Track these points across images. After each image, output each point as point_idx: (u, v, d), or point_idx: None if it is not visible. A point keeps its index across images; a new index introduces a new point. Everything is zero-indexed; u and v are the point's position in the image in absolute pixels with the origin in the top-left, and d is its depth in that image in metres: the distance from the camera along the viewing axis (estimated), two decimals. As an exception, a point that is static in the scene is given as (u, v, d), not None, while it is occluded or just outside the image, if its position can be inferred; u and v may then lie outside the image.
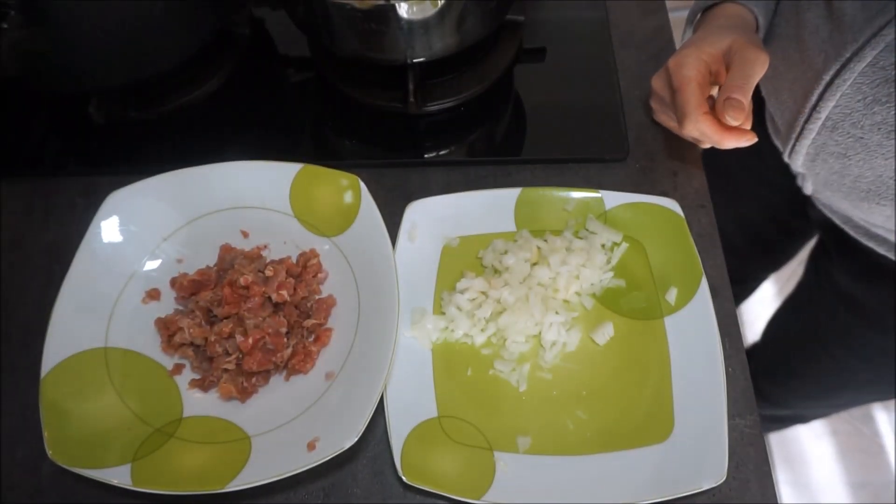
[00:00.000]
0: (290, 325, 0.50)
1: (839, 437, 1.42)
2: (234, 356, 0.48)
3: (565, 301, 0.54)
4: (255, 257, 0.53)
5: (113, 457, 0.44)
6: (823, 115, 0.54)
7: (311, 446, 0.44)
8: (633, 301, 0.53)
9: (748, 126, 0.51)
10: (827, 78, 0.52)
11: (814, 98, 0.54)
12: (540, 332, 0.52)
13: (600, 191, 0.56)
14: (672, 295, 0.52)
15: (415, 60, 0.58)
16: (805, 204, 0.68)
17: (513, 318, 0.51)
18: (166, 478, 0.43)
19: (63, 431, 0.44)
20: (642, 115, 0.64)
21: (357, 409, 0.45)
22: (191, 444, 0.46)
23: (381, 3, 0.52)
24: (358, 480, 0.47)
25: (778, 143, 0.66)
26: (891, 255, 0.61)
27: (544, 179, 0.60)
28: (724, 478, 0.44)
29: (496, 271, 0.55)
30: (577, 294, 0.54)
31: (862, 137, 0.52)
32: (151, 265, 0.53)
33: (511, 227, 0.56)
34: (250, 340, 0.47)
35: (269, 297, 0.50)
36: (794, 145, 0.59)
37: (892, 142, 0.50)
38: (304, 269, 0.53)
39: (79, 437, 0.44)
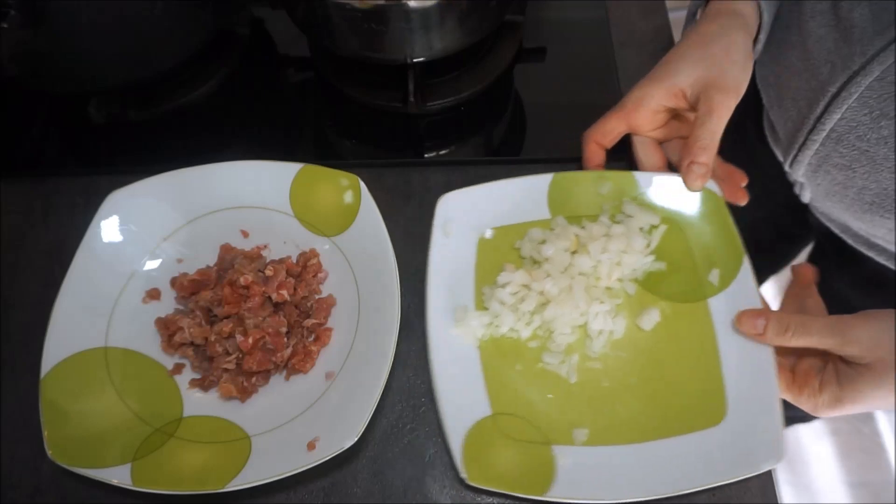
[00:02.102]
0: (290, 324, 0.50)
1: (839, 437, 1.42)
2: (234, 356, 0.48)
3: (608, 288, 0.52)
4: (255, 257, 0.53)
5: (113, 456, 0.44)
6: (828, 127, 0.53)
7: (311, 446, 0.44)
8: (675, 284, 0.52)
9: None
10: (833, 90, 0.52)
11: (819, 109, 0.53)
12: (586, 322, 0.51)
13: (633, 172, 0.55)
14: (714, 275, 0.51)
15: (415, 60, 0.58)
16: (804, 211, 0.68)
17: (558, 309, 0.50)
18: (166, 478, 0.43)
19: (63, 431, 0.44)
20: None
21: (357, 409, 0.45)
22: (191, 443, 0.46)
23: (381, 3, 0.53)
24: (358, 480, 0.47)
25: (778, 151, 0.66)
26: (891, 265, 0.61)
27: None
28: (783, 457, 0.43)
29: (535, 262, 0.53)
30: (619, 280, 0.53)
31: (867, 150, 0.52)
32: (151, 265, 0.53)
33: (545, 214, 0.55)
34: (250, 340, 0.47)
35: (269, 297, 0.50)
36: (796, 155, 0.59)
37: None
38: (304, 269, 0.53)
39: (79, 437, 0.44)
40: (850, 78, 0.50)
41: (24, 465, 0.47)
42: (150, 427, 0.46)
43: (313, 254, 0.54)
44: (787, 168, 0.62)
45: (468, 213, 0.54)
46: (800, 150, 0.58)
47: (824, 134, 0.54)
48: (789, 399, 0.46)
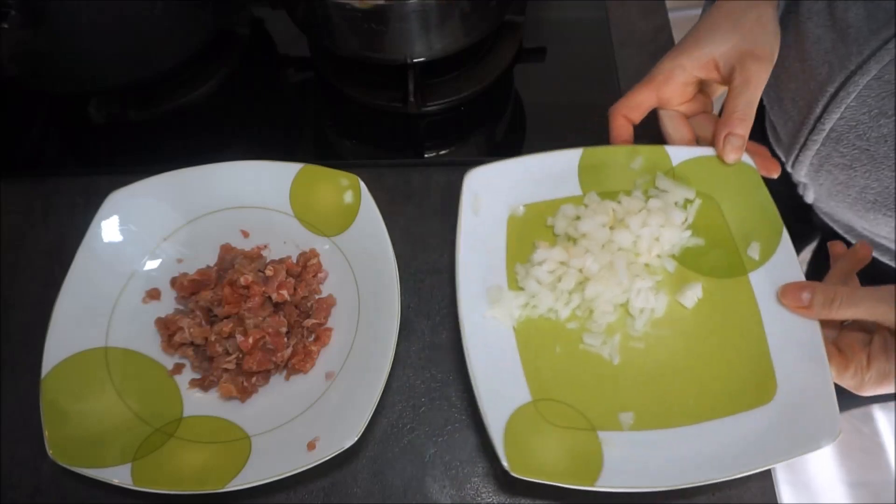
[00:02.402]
0: (290, 324, 0.50)
1: (839, 438, 1.41)
2: (234, 356, 0.48)
3: (647, 265, 0.51)
4: (255, 257, 0.53)
5: (113, 456, 0.44)
6: (828, 127, 0.53)
7: (311, 446, 0.44)
8: (714, 259, 0.51)
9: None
10: (832, 90, 0.51)
11: (818, 109, 0.53)
12: (627, 301, 0.49)
13: (666, 146, 0.53)
14: (755, 249, 0.50)
15: (415, 60, 0.58)
16: (808, 210, 0.68)
17: (599, 287, 0.48)
18: (166, 477, 0.43)
19: (63, 431, 0.44)
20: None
21: (357, 409, 0.45)
22: (191, 443, 0.46)
23: (381, 3, 0.53)
24: (358, 480, 0.47)
25: (780, 152, 0.66)
26: (895, 265, 0.61)
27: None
28: (839, 435, 0.41)
29: (570, 239, 0.52)
30: (659, 256, 0.51)
31: (868, 149, 0.52)
32: (151, 265, 0.53)
33: (577, 190, 0.53)
34: (250, 340, 0.47)
35: (270, 297, 0.50)
36: (797, 156, 0.58)
37: None
38: (304, 269, 0.53)
39: (79, 437, 0.44)
40: (848, 77, 0.50)
41: (24, 465, 0.47)
42: (151, 427, 0.46)
43: (313, 254, 0.54)
44: (789, 169, 0.62)
45: (497, 190, 0.52)
46: (801, 150, 0.58)
47: (824, 134, 0.54)
48: (833, 376, 0.44)
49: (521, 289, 0.50)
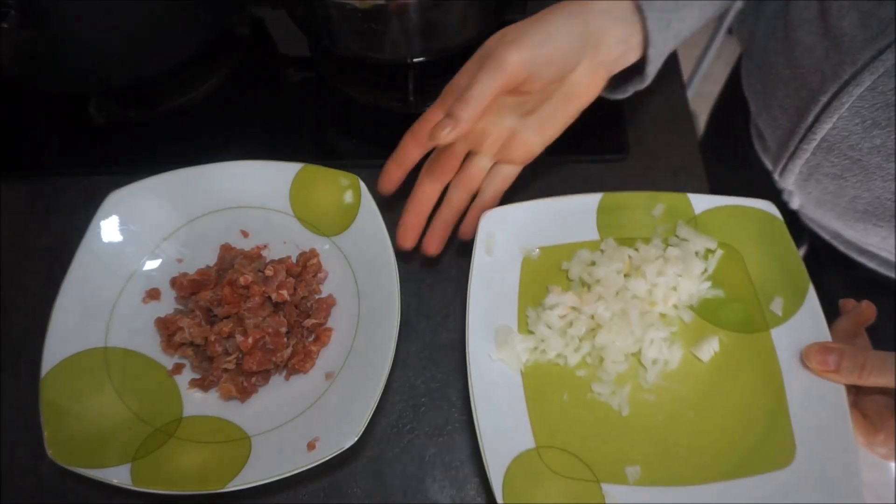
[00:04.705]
0: (290, 324, 0.50)
1: None
2: (234, 356, 0.48)
3: (662, 315, 0.50)
4: (254, 257, 0.53)
5: (113, 456, 0.44)
6: (819, 136, 0.52)
7: (311, 446, 0.44)
8: (734, 312, 0.49)
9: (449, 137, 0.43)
10: (824, 99, 0.51)
11: (810, 118, 0.53)
12: (639, 350, 0.48)
13: (687, 193, 0.52)
14: (777, 305, 0.48)
15: (415, 60, 0.58)
16: (795, 215, 0.68)
17: (611, 335, 0.47)
18: (166, 477, 0.43)
19: (63, 431, 0.44)
20: (642, 115, 0.64)
21: (357, 410, 0.45)
22: (191, 443, 0.46)
23: (382, 3, 0.52)
24: (358, 480, 0.47)
25: (766, 159, 0.65)
26: (882, 271, 0.60)
27: (544, 178, 0.60)
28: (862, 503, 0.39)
29: (584, 284, 0.51)
30: (675, 307, 0.50)
31: (860, 160, 0.51)
32: (151, 265, 0.53)
33: (594, 235, 0.52)
34: (250, 340, 0.47)
35: (269, 297, 0.50)
36: (786, 164, 0.58)
37: (892, 164, 0.49)
38: (303, 269, 0.53)
39: (78, 437, 0.44)
40: (842, 87, 0.49)
41: (24, 466, 0.47)
42: (150, 427, 0.46)
43: (313, 254, 0.54)
44: (776, 177, 0.61)
45: (512, 232, 0.51)
46: (790, 159, 0.57)
47: (815, 143, 0.53)
48: (860, 443, 0.42)
49: (532, 332, 0.49)
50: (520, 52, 0.43)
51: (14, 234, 0.58)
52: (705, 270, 0.51)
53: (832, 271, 0.68)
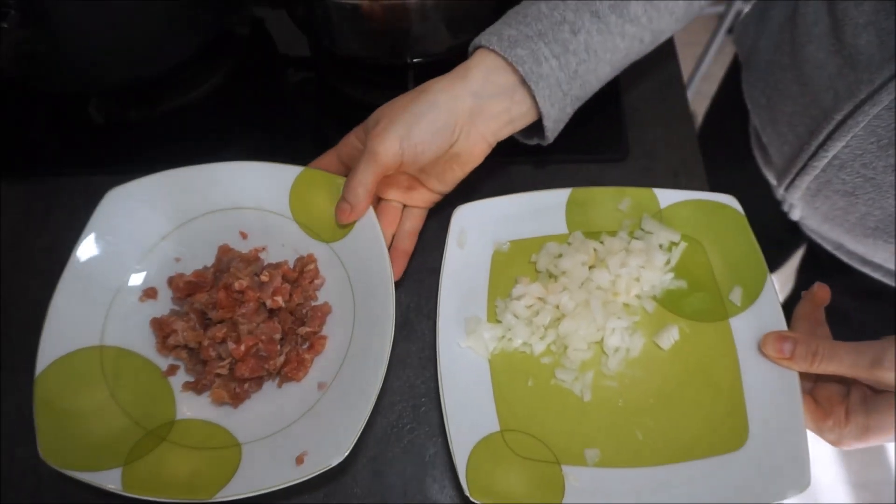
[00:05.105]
0: (284, 331, 0.49)
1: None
2: (227, 361, 0.47)
3: (626, 305, 0.52)
4: (252, 260, 0.52)
5: (104, 459, 0.43)
6: (831, 154, 0.52)
7: (299, 460, 0.43)
8: (695, 302, 0.51)
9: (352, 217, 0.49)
10: (838, 118, 0.50)
11: (822, 136, 0.52)
12: (602, 339, 0.50)
13: (654, 188, 0.54)
14: (737, 295, 0.50)
15: (415, 60, 0.58)
16: (796, 222, 0.67)
17: (574, 324, 0.49)
18: (156, 483, 0.43)
19: (56, 432, 0.43)
20: (642, 115, 0.64)
21: (347, 425, 0.43)
22: (182, 448, 0.45)
23: (382, 2, 0.53)
24: (358, 480, 0.47)
25: (769, 174, 0.65)
26: (886, 281, 0.60)
27: (543, 179, 0.60)
28: (809, 485, 0.41)
29: (551, 276, 0.52)
30: (638, 297, 0.52)
31: (873, 178, 0.50)
32: (149, 263, 0.52)
33: (563, 229, 0.54)
34: (243, 347, 0.47)
35: (264, 303, 0.49)
36: (793, 180, 0.57)
37: None
38: (300, 275, 0.52)
39: (71, 439, 0.44)
40: (858, 106, 0.48)
41: (23, 466, 0.48)
42: (143, 429, 0.45)
43: (310, 259, 0.53)
44: (782, 191, 0.60)
45: (484, 225, 0.53)
46: (798, 174, 0.56)
47: (826, 160, 0.53)
48: (810, 428, 0.44)
49: (499, 321, 0.51)
50: (388, 144, 0.46)
51: (14, 234, 0.58)
52: (668, 262, 0.53)
53: (832, 277, 0.68)
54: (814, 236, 0.64)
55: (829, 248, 0.63)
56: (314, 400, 0.47)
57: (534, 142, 0.54)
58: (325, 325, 0.51)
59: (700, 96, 1.61)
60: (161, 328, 0.49)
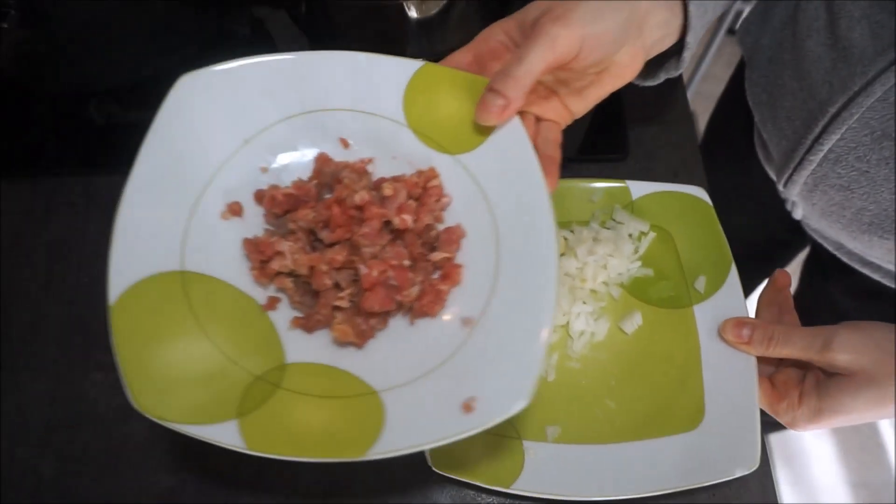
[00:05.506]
0: (413, 257, 0.41)
1: (839, 437, 1.42)
2: (347, 291, 0.39)
3: (593, 291, 0.53)
4: (361, 172, 0.43)
5: (214, 411, 0.34)
6: (826, 147, 0.52)
7: (467, 407, 0.35)
8: (661, 290, 0.53)
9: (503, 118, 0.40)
10: (833, 110, 0.50)
11: (817, 129, 0.52)
12: (568, 322, 0.51)
13: (626, 181, 0.56)
14: (701, 283, 0.52)
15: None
16: (798, 221, 0.67)
17: None
18: (288, 440, 0.34)
19: (146, 378, 0.34)
20: (642, 115, 0.64)
21: (516, 365, 0.35)
22: (305, 397, 0.36)
23: (381, 2, 0.53)
24: (358, 480, 0.47)
25: (770, 170, 0.65)
26: (886, 282, 0.60)
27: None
28: (757, 464, 0.44)
29: None
30: (605, 284, 0.53)
31: (867, 171, 0.50)
32: (231, 173, 0.42)
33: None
34: (375, 273, 0.38)
35: (388, 222, 0.41)
36: (791, 175, 0.57)
37: None
38: (424, 192, 0.42)
39: (167, 385, 0.35)
40: (851, 98, 0.49)
41: (23, 466, 0.48)
42: (249, 374, 0.36)
43: (433, 174, 0.43)
44: (780, 188, 0.61)
45: None
46: (795, 169, 0.57)
47: (822, 154, 0.53)
48: (767, 410, 0.46)
49: None
50: (571, 30, 0.39)
51: (14, 234, 0.58)
52: (636, 251, 0.54)
53: (834, 278, 0.68)
54: (815, 236, 0.64)
55: (830, 248, 0.63)
56: (461, 339, 0.38)
57: (650, 82, 0.50)
58: (460, 250, 0.42)
59: (700, 96, 1.61)
60: (260, 250, 0.40)
